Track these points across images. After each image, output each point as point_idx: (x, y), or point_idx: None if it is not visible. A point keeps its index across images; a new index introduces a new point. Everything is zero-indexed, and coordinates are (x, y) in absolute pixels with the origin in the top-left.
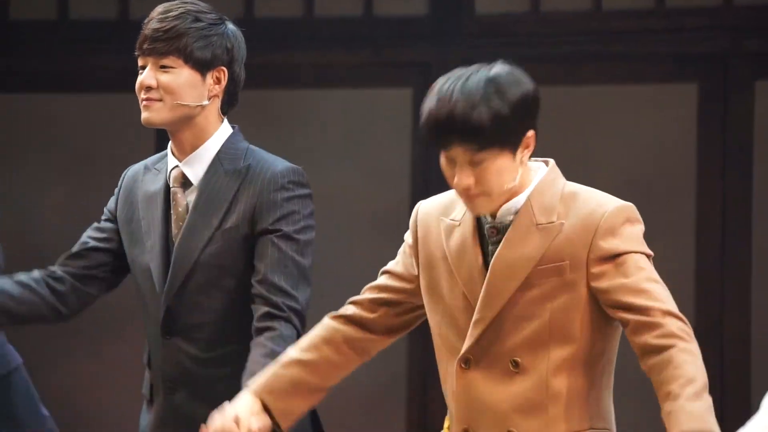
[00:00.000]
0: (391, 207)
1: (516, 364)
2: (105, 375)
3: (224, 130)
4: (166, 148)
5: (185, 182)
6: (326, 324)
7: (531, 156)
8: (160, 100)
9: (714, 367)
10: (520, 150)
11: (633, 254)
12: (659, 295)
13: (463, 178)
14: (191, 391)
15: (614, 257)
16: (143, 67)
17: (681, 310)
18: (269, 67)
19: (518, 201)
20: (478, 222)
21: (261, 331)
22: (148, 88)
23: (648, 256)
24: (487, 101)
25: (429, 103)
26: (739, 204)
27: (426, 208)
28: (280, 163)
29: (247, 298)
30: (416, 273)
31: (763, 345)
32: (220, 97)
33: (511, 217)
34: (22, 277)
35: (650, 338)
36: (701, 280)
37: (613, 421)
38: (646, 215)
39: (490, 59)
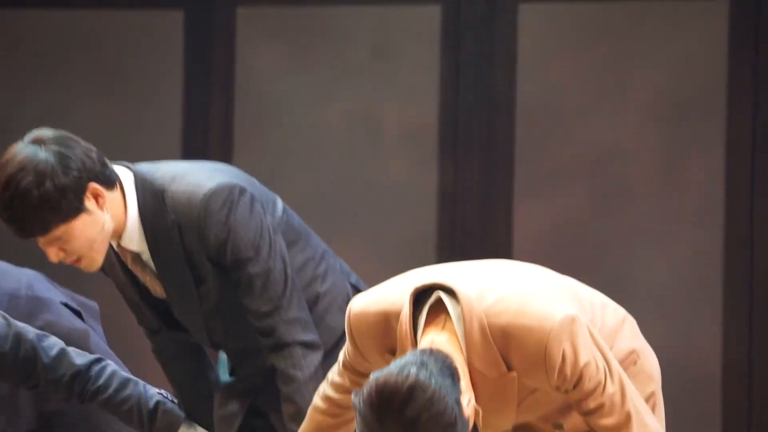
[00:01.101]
0: (418, 125)
1: (560, 427)
2: None
3: (130, 193)
4: (197, 69)
5: (134, 256)
6: (321, 415)
7: None
8: (81, 259)
9: (744, 285)
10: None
11: (582, 371)
12: (612, 406)
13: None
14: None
15: (569, 384)
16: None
17: (711, 226)
18: None
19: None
20: None
21: (276, 368)
22: (63, 260)
23: (589, 360)
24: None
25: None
26: None
27: (360, 326)
28: (195, 200)
29: None
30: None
31: None
32: (106, 197)
33: None
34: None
35: None
36: (731, 199)
37: None
38: (677, 133)
39: None
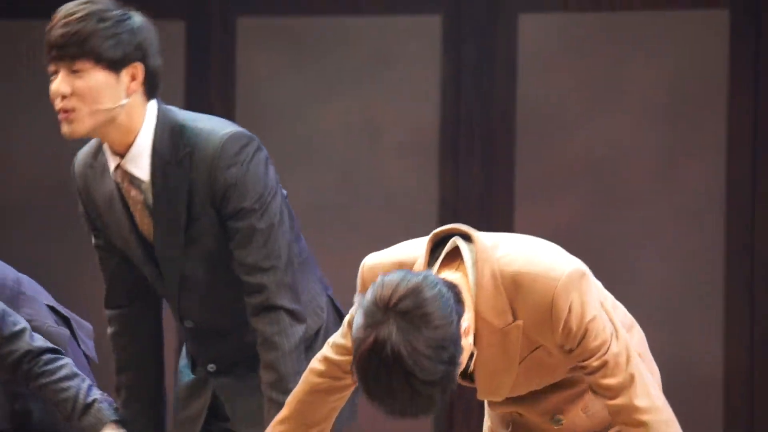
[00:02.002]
0: (420, 133)
1: (558, 421)
2: None
3: (150, 117)
4: (198, 77)
5: (133, 179)
6: (315, 386)
7: None
8: (76, 110)
9: (744, 290)
10: None
11: (588, 326)
12: (616, 366)
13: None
14: (227, 369)
15: (573, 338)
16: (55, 73)
17: (712, 232)
18: None
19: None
20: None
21: (258, 335)
22: (63, 96)
23: (596, 315)
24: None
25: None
26: None
27: (372, 270)
28: (215, 135)
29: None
30: None
31: None
32: (140, 92)
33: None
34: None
35: (615, 422)
36: (732, 201)
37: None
38: (678, 140)
39: None
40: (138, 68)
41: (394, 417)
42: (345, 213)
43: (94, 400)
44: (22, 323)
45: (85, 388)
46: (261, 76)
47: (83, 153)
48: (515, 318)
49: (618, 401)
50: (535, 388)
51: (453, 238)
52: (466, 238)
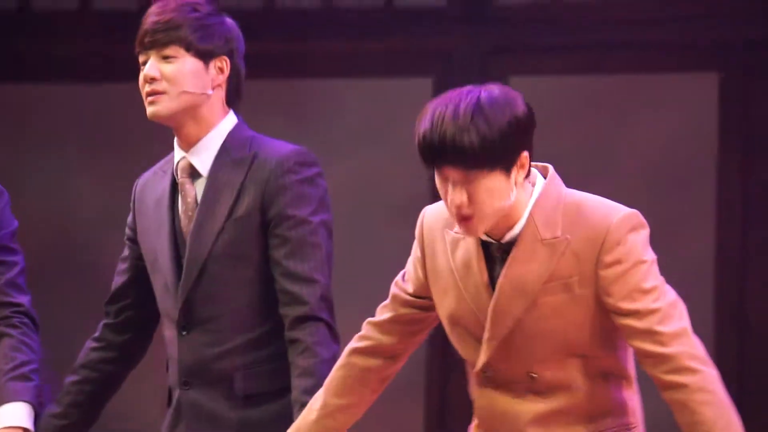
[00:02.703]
0: (412, 195)
1: (533, 379)
2: None
3: (229, 121)
4: None
5: (193, 173)
6: (353, 362)
7: (532, 161)
8: (164, 92)
9: (734, 357)
10: (514, 170)
11: (641, 266)
12: (670, 314)
13: (456, 196)
14: (207, 383)
15: (622, 272)
16: (144, 63)
17: (700, 299)
18: (291, 57)
19: (520, 221)
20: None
21: (293, 345)
22: (152, 80)
23: (652, 261)
24: (476, 126)
25: (422, 126)
26: (760, 193)
27: (431, 216)
28: (285, 147)
29: (263, 288)
30: (427, 284)
31: None
32: (224, 88)
33: (514, 235)
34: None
35: (661, 373)
36: (721, 269)
37: (640, 415)
38: (667, 204)
39: (512, 49)
40: (225, 62)
41: (436, 140)
42: (339, 276)
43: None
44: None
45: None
46: None
47: (150, 169)
48: (563, 234)
49: (671, 349)
50: (525, 361)
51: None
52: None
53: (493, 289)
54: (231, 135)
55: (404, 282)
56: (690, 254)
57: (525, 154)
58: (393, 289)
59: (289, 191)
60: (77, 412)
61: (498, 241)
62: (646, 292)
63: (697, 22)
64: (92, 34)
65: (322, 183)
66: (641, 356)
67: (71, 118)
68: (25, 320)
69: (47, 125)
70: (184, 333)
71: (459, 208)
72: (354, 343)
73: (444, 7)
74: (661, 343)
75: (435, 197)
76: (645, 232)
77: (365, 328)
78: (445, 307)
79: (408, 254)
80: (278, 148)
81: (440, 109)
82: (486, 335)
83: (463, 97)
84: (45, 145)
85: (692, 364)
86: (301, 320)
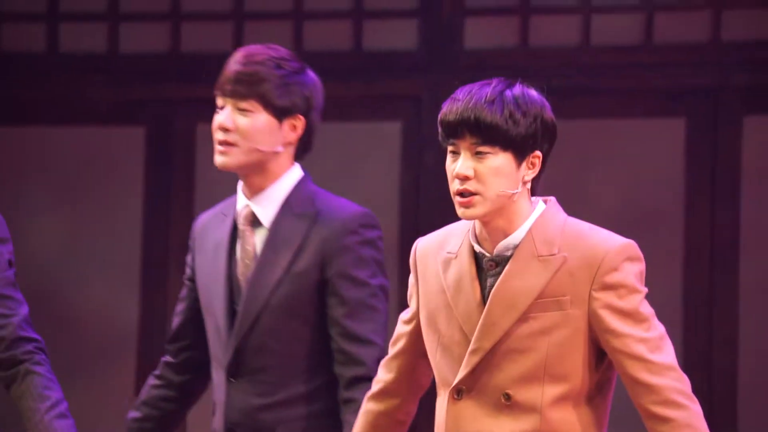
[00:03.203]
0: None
1: (508, 397)
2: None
3: (295, 173)
4: (157, 184)
5: (254, 221)
6: (367, 409)
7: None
8: (235, 144)
9: (701, 398)
10: (525, 164)
11: (635, 295)
12: (660, 347)
13: (464, 167)
14: None
15: (616, 297)
16: (221, 108)
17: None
18: None
19: (518, 235)
20: (475, 255)
21: (346, 404)
22: (226, 130)
23: (645, 294)
24: (504, 103)
25: (449, 100)
26: (726, 238)
27: (424, 244)
28: (349, 207)
29: (314, 345)
30: (416, 312)
31: (750, 379)
32: (295, 145)
33: (510, 251)
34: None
35: (649, 404)
36: (689, 312)
37: None
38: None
39: None
40: (300, 121)
41: (461, 108)
42: None
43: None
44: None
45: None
46: (221, 182)
47: (213, 208)
48: (561, 252)
49: (661, 381)
50: (503, 379)
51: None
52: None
53: (485, 303)
54: (296, 188)
55: (405, 314)
56: (658, 297)
57: (539, 153)
58: (397, 327)
59: (350, 252)
60: None
61: (490, 254)
62: (639, 320)
63: (663, 69)
64: (59, 76)
65: (381, 246)
66: (630, 383)
67: (36, 160)
68: (44, 357)
69: (12, 166)
70: (232, 380)
71: (464, 180)
72: (372, 388)
73: (413, 51)
74: (651, 372)
75: (404, 237)
76: (641, 266)
77: (378, 371)
78: (433, 329)
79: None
80: (342, 208)
81: (475, 87)
82: (471, 347)
83: (500, 81)
84: (7, 185)
85: (679, 398)
86: (357, 381)
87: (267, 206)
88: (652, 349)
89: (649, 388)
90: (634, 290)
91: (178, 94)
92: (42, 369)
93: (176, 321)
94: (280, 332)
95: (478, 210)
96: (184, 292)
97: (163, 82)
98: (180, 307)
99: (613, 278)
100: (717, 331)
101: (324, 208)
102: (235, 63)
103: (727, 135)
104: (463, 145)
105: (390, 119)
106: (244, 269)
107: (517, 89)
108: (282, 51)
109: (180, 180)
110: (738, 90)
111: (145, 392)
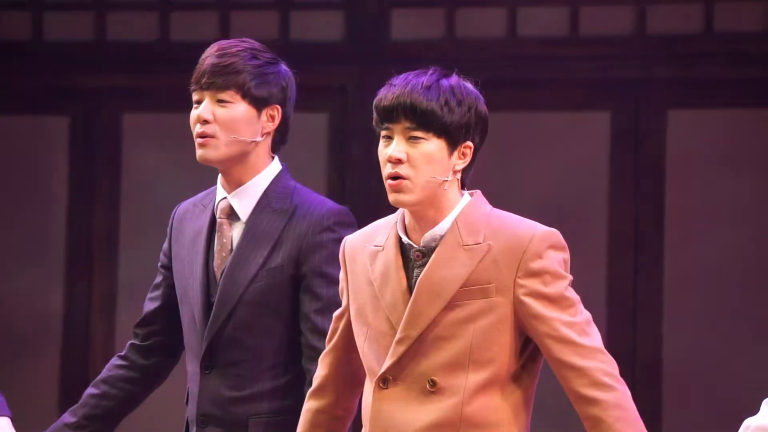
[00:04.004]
0: None
1: (433, 384)
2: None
3: (274, 168)
4: (81, 174)
5: (232, 214)
6: (306, 408)
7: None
8: (215, 136)
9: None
10: (456, 153)
11: (560, 281)
12: (586, 331)
13: (396, 150)
14: (223, 425)
15: (541, 283)
16: (198, 102)
17: None
18: (181, 90)
19: (444, 225)
20: (402, 247)
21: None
22: (205, 122)
23: (570, 282)
24: (440, 90)
25: (386, 86)
26: (650, 229)
27: (351, 240)
28: (326, 204)
29: (287, 340)
30: (347, 307)
31: (674, 369)
32: (272, 136)
33: (436, 242)
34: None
35: (578, 386)
36: (613, 304)
37: None
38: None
39: None
40: (277, 111)
41: (397, 92)
42: None
43: None
44: None
45: None
46: (147, 173)
47: (193, 198)
48: (486, 240)
49: (589, 363)
50: (429, 366)
51: None
52: None
53: (411, 293)
54: (274, 183)
55: (337, 311)
56: (582, 287)
57: (470, 144)
58: (331, 323)
59: (325, 249)
60: (91, 425)
61: (417, 245)
62: (565, 305)
63: (589, 62)
64: None
65: None
66: (558, 367)
67: None
68: None
69: None
70: (206, 372)
71: (396, 163)
72: (311, 386)
73: (339, 42)
74: (579, 355)
75: None
76: (565, 254)
77: (319, 368)
78: (362, 321)
79: None
80: (319, 204)
81: (411, 75)
82: (398, 336)
83: (436, 69)
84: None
85: (608, 380)
86: None
87: (245, 200)
88: (579, 333)
89: (578, 370)
90: (558, 276)
91: (104, 84)
92: None
93: (148, 306)
94: (254, 326)
95: (409, 197)
96: (158, 278)
97: (89, 71)
98: (153, 293)
99: (537, 265)
100: (641, 321)
101: (301, 204)
102: (210, 56)
103: (651, 128)
104: (397, 130)
105: (316, 110)
106: (220, 262)
107: (453, 79)
108: (255, 43)
109: (104, 170)
110: (662, 83)
111: (107, 371)
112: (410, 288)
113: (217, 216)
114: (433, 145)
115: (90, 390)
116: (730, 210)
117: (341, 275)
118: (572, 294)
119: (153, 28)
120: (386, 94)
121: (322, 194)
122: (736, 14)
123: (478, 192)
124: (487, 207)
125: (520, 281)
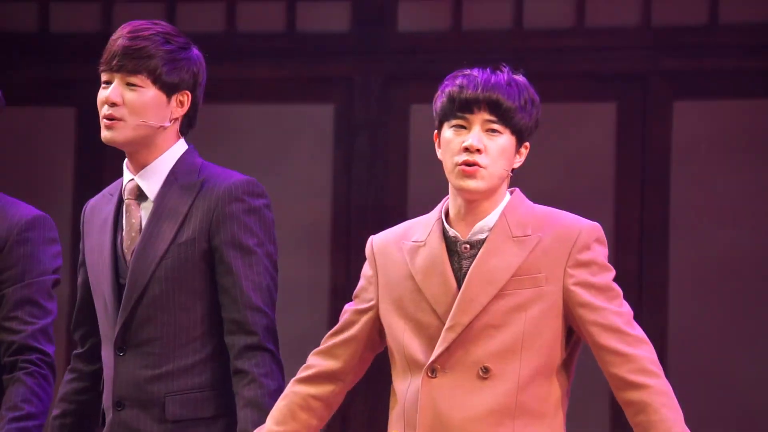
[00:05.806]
0: (312, 222)
1: (486, 370)
2: None
3: (180, 147)
4: (87, 165)
5: (140, 195)
6: (296, 391)
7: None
8: (122, 119)
9: None
10: (519, 151)
11: (607, 272)
12: (631, 322)
13: (476, 140)
14: (140, 406)
15: (590, 274)
16: (107, 83)
17: None
18: None
19: (492, 218)
20: (446, 241)
21: (239, 375)
22: (113, 104)
23: (614, 275)
24: (519, 89)
25: (462, 74)
26: (656, 222)
27: (381, 238)
28: (234, 176)
29: (203, 315)
30: (376, 303)
31: (679, 365)
32: (180, 120)
33: (484, 235)
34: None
35: (624, 372)
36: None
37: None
38: None
39: (412, 75)
40: (187, 97)
41: (482, 83)
42: None
43: None
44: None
45: None
46: None
47: (99, 193)
48: (535, 233)
49: (636, 351)
50: (480, 353)
51: None
52: None
53: (459, 284)
54: (181, 160)
55: (355, 305)
56: None
57: (528, 144)
58: (342, 315)
59: (235, 220)
60: None
61: (464, 239)
62: (612, 296)
63: (595, 53)
64: None
65: (268, 215)
66: (606, 354)
67: None
68: (46, 372)
69: None
70: (120, 354)
71: (475, 152)
72: (298, 374)
73: (346, 33)
74: (627, 343)
75: (336, 219)
76: (606, 249)
77: (310, 359)
78: (399, 315)
79: (310, 278)
80: (227, 177)
81: (485, 70)
82: (448, 324)
83: (504, 66)
84: None
85: (654, 368)
86: (248, 350)
87: (152, 179)
88: (625, 323)
89: (624, 356)
90: (605, 268)
91: None
92: (31, 381)
93: (76, 307)
94: (167, 303)
95: (481, 184)
96: (79, 278)
97: (95, 63)
98: (79, 293)
99: (586, 256)
100: (646, 317)
101: (209, 178)
102: (122, 38)
103: (657, 119)
104: (476, 120)
105: (322, 101)
106: (129, 243)
107: (522, 79)
108: (168, 26)
109: (110, 162)
110: (668, 74)
111: (62, 388)
112: (457, 279)
113: (125, 197)
114: (507, 140)
115: (54, 411)
116: (737, 201)
117: (367, 272)
118: (617, 286)
119: (159, 19)
120: (466, 85)
121: (329, 186)
122: (741, 5)
123: (518, 189)
124: (528, 202)
125: (570, 271)
